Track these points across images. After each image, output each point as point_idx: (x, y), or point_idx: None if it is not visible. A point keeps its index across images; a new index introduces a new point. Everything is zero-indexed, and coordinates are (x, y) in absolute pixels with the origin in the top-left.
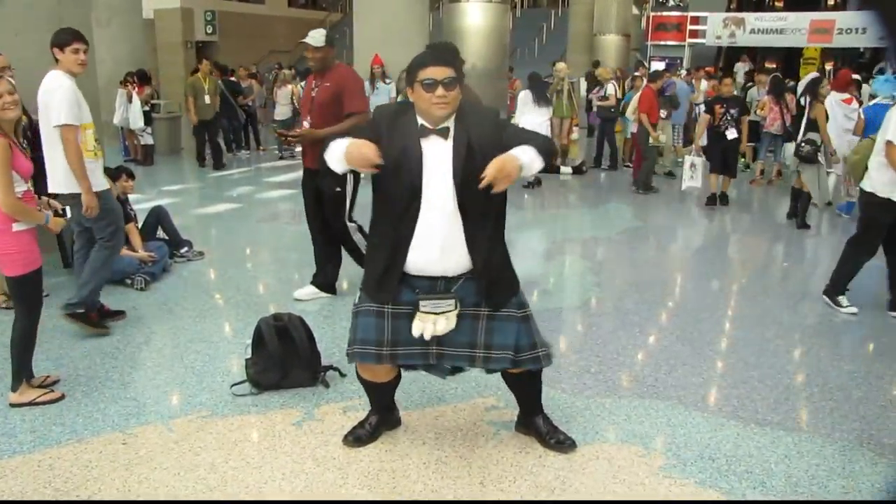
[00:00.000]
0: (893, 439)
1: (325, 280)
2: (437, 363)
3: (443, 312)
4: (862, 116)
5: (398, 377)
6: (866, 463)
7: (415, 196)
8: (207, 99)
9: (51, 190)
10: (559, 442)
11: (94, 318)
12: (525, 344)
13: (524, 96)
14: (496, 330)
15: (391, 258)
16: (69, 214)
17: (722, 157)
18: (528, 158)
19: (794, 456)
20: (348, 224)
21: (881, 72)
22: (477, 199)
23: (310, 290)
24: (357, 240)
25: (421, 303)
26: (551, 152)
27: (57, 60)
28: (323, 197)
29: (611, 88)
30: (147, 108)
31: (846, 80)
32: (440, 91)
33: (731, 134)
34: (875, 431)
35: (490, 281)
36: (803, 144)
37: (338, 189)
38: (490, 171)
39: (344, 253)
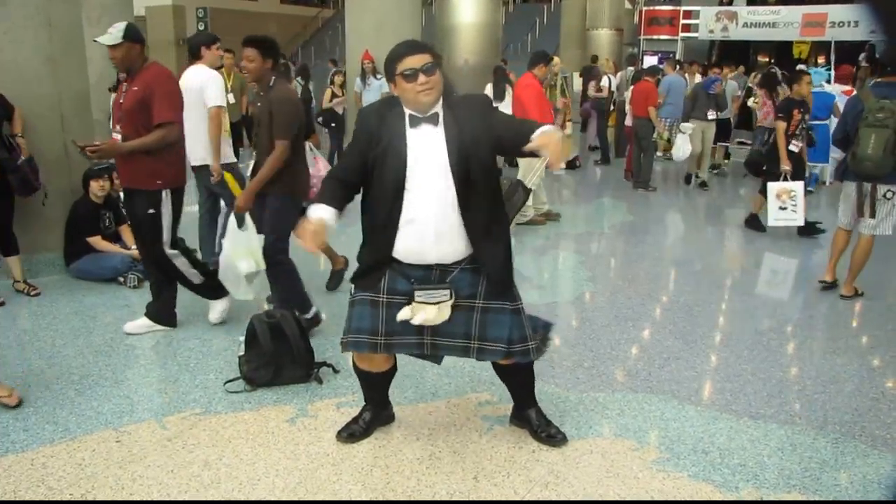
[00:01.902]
0: (885, 431)
1: (160, 310)
2: (431, 353)
3: (437, 302)
4: None
5: (394, 368)
6: (858, 455)
7: (399, 185)
8: (231, 98)
9: (194, 163)
10: (550, 436)
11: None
12: (517, 336)
13: (490, 89)
14: (490, 323)
15: (378, 244)
16: None
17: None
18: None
19: (787, 448)
20: (168, 250)
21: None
22: (471, 183)
23: (142, 323)
24: (183, 263)
25: (416, 293)
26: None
27: (200, 57)
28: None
29: (605, 81)
30: None
31: (848, 73)
32: (422, 78)
33: (795, 146)
34: (867, 423)
35: (490, 268)
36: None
37: (150, 211)
38: (551, 154)
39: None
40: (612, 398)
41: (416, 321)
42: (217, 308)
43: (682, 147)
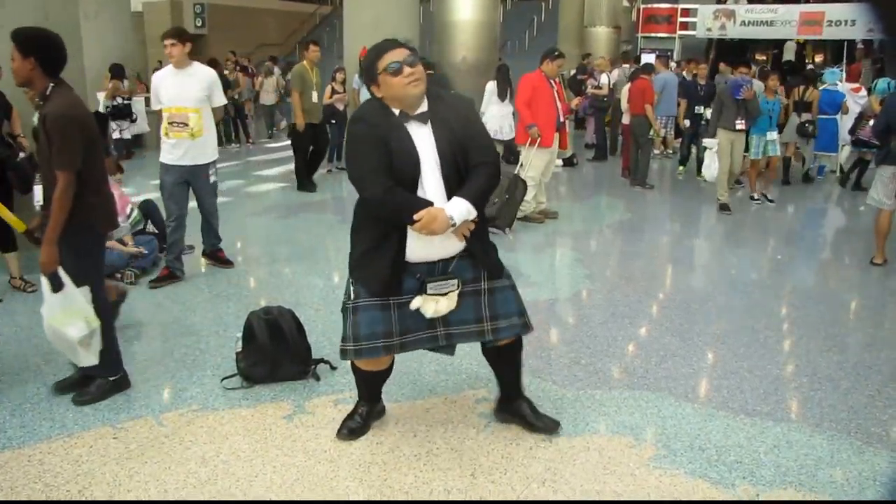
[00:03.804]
0: (881, 429)
1: None
2: (446, 343)
3: (447, 293)
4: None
5: (393, 364)
6: (854, 452)
7: (414, 185)
8: (315, 97)
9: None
10: (545, 424)
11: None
12: (520, 310)
13: (490, 87)
14: (498, 301)
15: (397, 252)
16: None
17: None
18: (461, 213)
19: (783, 446)
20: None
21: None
22: (460, 181)
23: None
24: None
25: (428, 286)
26: (490, 189)
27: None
28: None
29: (604, 79)
30: (128, 102)
31: (858, 72)
32: (407, 70)
33: None
34: (862, 421)
35: (483, 260)
36: (807, 124)
37: None
38: (422, 222)
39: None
40: (609, 395)
41: (428, 314)
42: None
43: (711, 166)
